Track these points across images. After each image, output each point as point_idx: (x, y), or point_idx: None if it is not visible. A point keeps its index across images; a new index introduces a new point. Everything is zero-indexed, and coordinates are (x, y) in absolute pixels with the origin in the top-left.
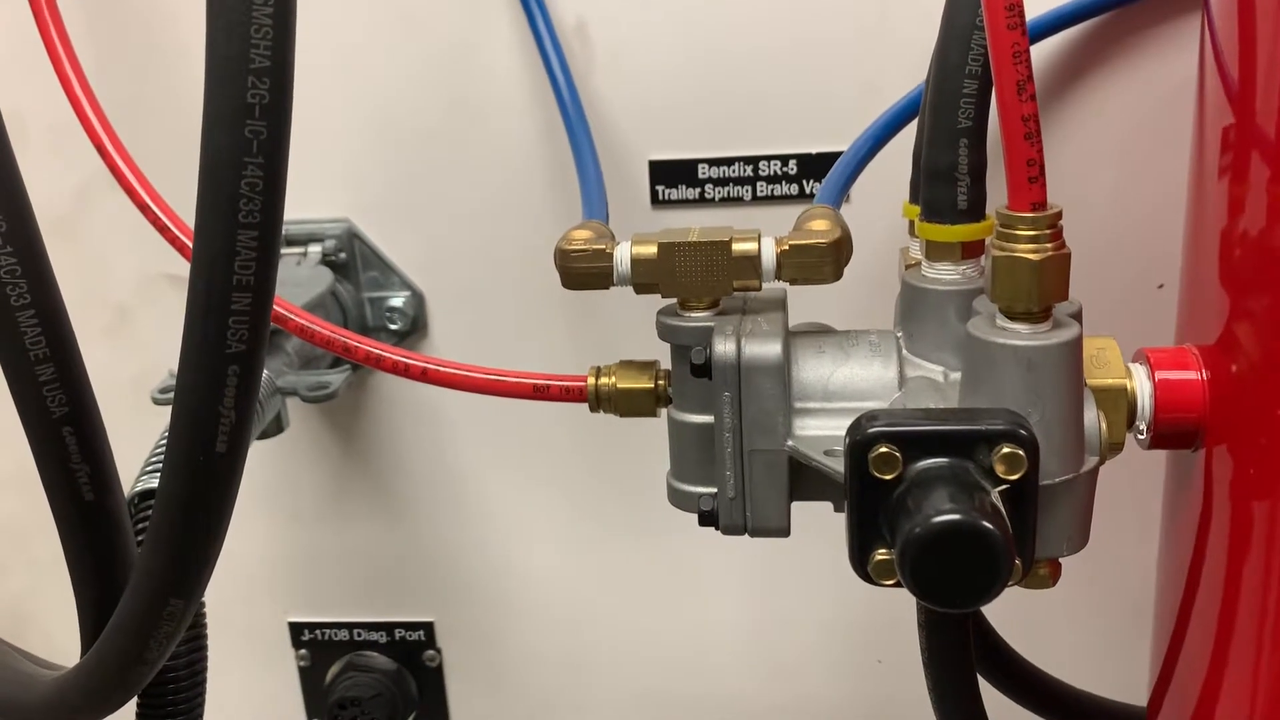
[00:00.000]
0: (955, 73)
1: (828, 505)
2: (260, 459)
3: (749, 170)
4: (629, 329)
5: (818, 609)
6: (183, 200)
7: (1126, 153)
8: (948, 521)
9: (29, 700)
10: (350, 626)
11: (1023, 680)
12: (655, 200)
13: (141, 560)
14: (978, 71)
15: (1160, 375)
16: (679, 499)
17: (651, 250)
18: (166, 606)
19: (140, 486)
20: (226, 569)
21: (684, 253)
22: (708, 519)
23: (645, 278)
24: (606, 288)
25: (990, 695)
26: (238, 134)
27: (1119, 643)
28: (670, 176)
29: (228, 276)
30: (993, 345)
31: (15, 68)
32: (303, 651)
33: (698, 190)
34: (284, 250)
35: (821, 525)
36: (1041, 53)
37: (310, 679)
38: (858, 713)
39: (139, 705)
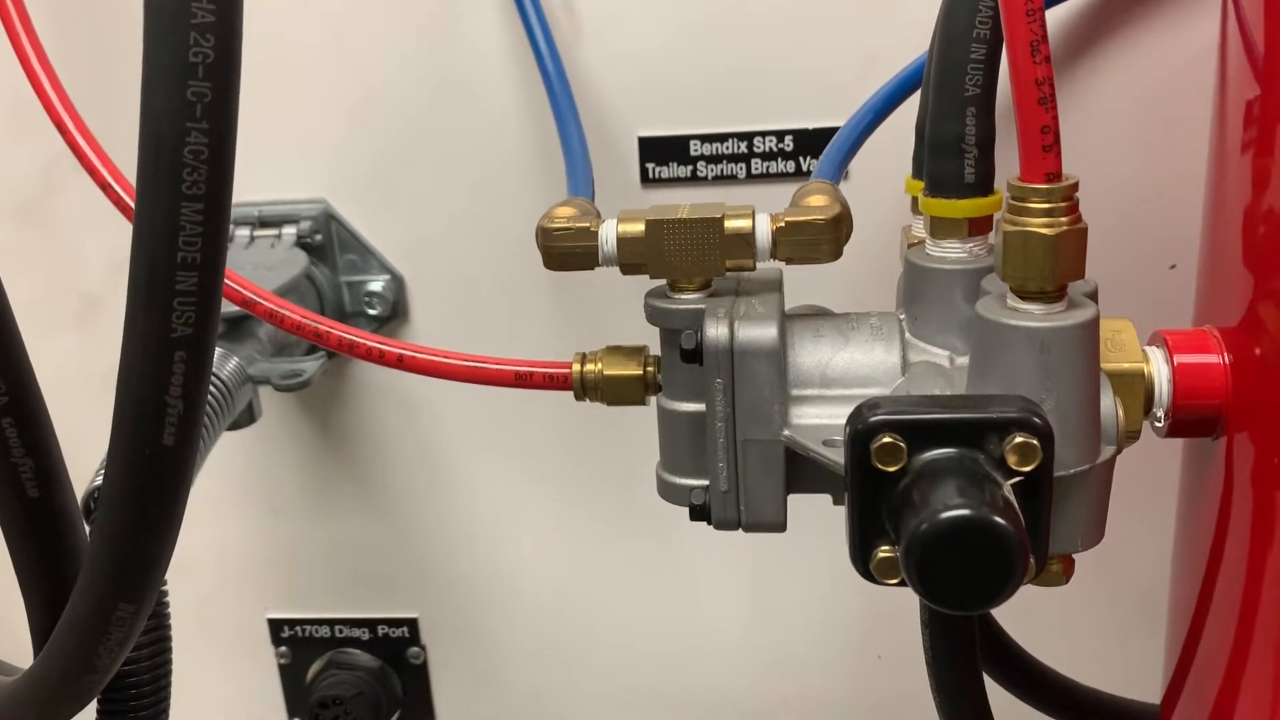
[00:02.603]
0: (962, 37)
1: (826, 497)
2: (234, 450)
3: (743, 147)
4: (621, 312)
5: (815, 602)
6: None
7: (1139, 125)
8: (957, 516)
9: None
10: (332, 623)
11: (1029, 677)
12: (645, 179)
13: (87, 563)
14: (986, 35)
15: (1179, 359)
16: (669, 492)
17: (639, 228)
18: (115, 612)
19: (99, 481)
20: (202, 563)
21: (673, 230)
22: (699, 513)
23: (632, 257)
24: (591, 268)
25: (996, 693)
26: (179, 96)
27: (1130, 638)
28: (661, 154)
29: (171, 253)
30: (1004, 327)
31: None
32: (283, 649)
33: (689, 168)
34: (257, 232)
35: (819, 515)
36: (1052, 18)
37: (291, 677)
38: (857, 709)
39: (98, 710)
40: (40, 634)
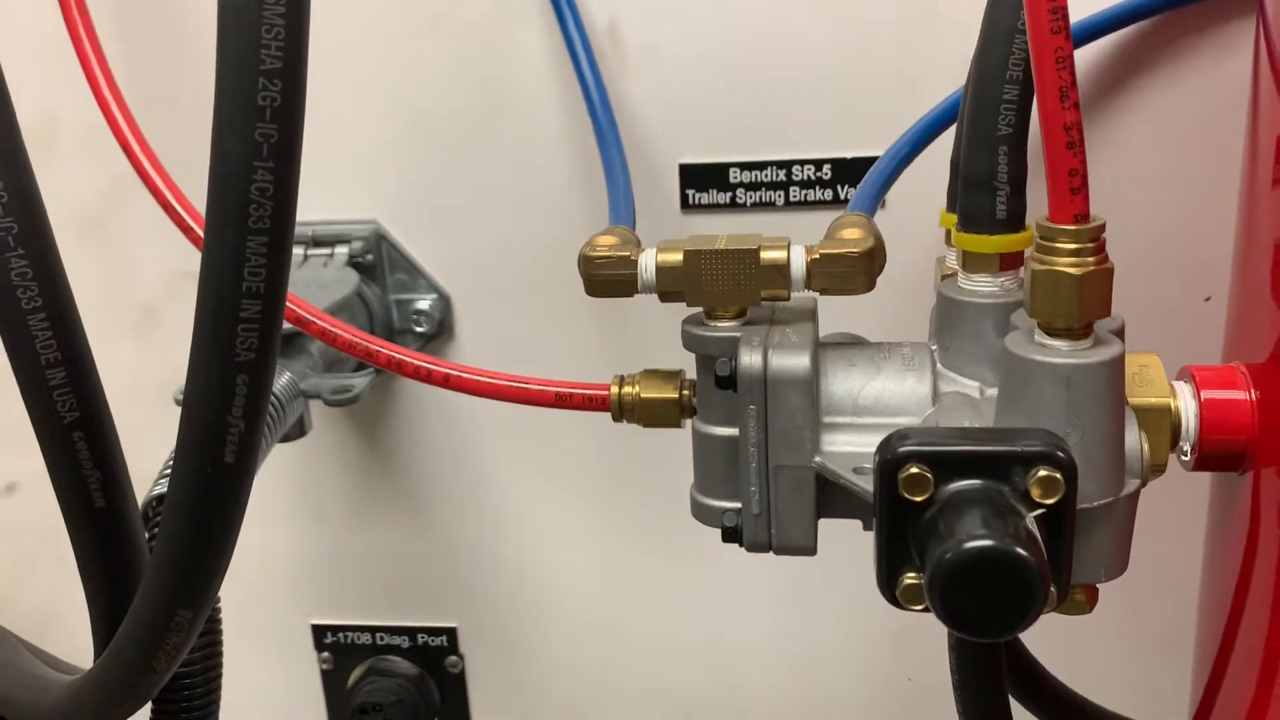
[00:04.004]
0: (995, 78)
1: (857, 521)
2: (284, 461)
3: (782, 175)
4: (661, 334)
5: (847, 621)
6: None
7: (1174, 161)
8: (980, 547)
9: (40, 706)
10: (373, 630)
11: (1057, 703)
12: (685, 204)
13: (149, 571)
14: (1019, 76)
15: (1206, 394)
16: (702, 513)
17: (677, 258)
18: (174, 618)
19: (157, 490)
20: (250, 570)
21: (710, 261)
22: (731, 535)
23: (670, 286)
24: (631, 295)
25: (1022, 716)
26: (248, 137)
27: (1157, 666)
28: (701, 180)
29: (236, 283)
30: (1030, 363)
31: (46, 66)
32: (325, 654)
33: (729, 195)
34: (311, 251)
35: (851, 534)
36: (1086, 57)
37: (332, 682)
38: None
39: (152, 711)
40: (101, 636)
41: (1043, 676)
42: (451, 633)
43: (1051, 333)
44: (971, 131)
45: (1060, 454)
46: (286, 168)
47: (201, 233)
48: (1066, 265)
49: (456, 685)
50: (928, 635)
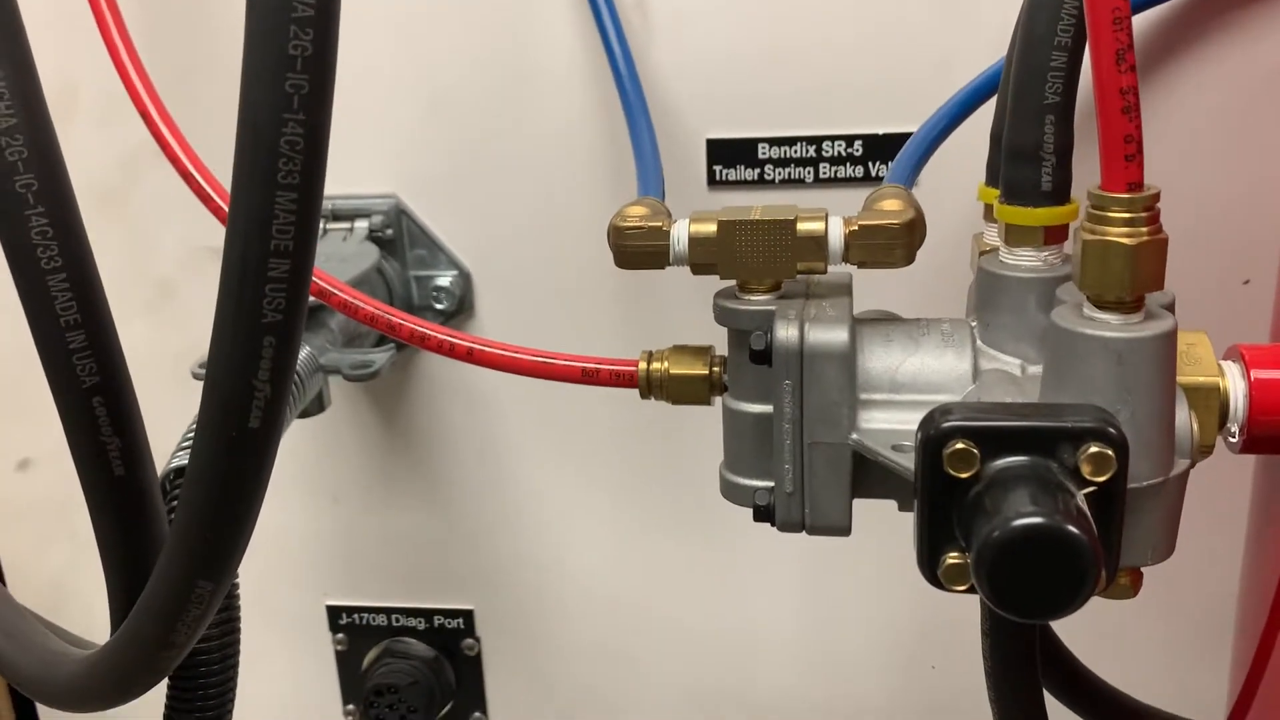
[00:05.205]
0: (1042, 44)
1: (882, 503)
2: (301, 438)
3: (812, 151)
4: (686, 312)
5: (870, 608)
6: (230, 172)
7: (1218, 136)
8: (1030, 525)
9: (56, 680)
10: (389, 612)
11: (1090, 695)
12: (712, 181)
13: (170, 540)
14: (1067, 43)
15: (1256, 374)
16: (732, 492)
17: (711, 228)
18: (194, 589)
19: (175, 463)
20: (265, 549)
21: (746, 231)
22: (763, 514)
23: (703, 257)
24: (662, 267)
25: (1053, 707)
26: (278, 88)
27: (1195, 657)
28: (729, 156)
29: (265, 241)
30: (1080, 336)
31: (66, 36)
32: (340, 635)
33: (757, 171)
34: (330, 225)
35: (876, 519)
36: (1134, 24)
37: (347, 664)
38: (909, 716)
39: (169, 688)
40: (119, 609)
41: (1074, 666)
42: (468, 615)
43: (1102, 306)
44: (1017, 100)
45: (1112, 430)
46: (318, 120)
47: (222, 203)
48: (1119, 235)
49: (473, 668)
50: (952, 622)
